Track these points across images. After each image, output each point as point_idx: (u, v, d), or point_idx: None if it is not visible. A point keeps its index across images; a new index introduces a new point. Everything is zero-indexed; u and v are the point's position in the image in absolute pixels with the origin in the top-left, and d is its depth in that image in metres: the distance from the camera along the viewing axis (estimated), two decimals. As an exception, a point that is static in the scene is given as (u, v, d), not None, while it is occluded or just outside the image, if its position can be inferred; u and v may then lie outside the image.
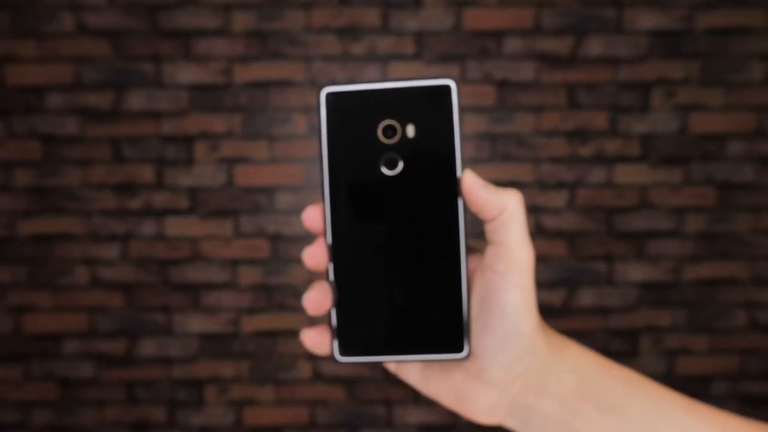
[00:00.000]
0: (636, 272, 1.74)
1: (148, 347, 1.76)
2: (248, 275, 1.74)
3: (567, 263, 1.74)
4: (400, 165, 0.32)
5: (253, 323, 1.75)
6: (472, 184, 0.32)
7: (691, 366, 1.77)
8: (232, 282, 1.74)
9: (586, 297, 1.75)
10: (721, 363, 1.77)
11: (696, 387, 1.77)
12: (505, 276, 0.32)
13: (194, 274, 1.74)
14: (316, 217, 0.33)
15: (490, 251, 0.33)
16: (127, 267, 1.74)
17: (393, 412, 1.77)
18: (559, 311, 1.75)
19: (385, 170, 0.33)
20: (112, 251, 1.73)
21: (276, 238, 1.73)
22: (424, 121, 0.32)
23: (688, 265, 1.74)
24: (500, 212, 0.32)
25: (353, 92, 0.33)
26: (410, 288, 0.33)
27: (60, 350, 1.76)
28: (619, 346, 1.76)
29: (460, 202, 0.32)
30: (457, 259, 0.33)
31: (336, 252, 0.33)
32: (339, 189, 0.33)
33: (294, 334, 1.75)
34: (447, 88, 0.32)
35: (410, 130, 0.32)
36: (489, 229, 0.32)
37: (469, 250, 0.36)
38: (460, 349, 0.33)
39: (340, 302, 0.33)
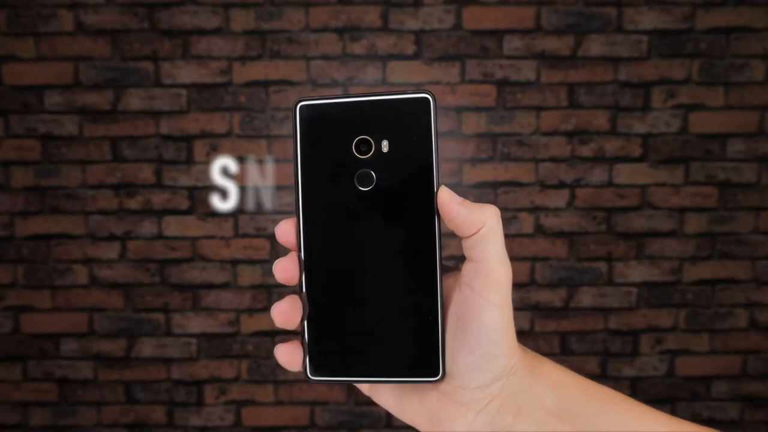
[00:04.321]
0: (636, 272, 1.74)
1: (147, 347, 1.75)
2: (248, 275, 1.74)
3: (567, 263, 1.74)
4: (374, 181, 0.31)
5: (252, 323, 1.75)
6: (449, 201, 0.30)
7: (692, 366, 1.76)
8: (231, 282, 1.74)
9: (586, 297, 1.75)
10: (722, 363, 1.76)
11: (696, 387, 1.77)
12: (483, 294, 0.30)
13: (193, 274, 1.73)
14: (289, 231, 0.32)
15: (467, 268, 0.31)
16: (126, 267, 1.73)
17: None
18: (559, 311, 1.75)
19: (358, 186, 0.31)
20: (111, 251, 1.73)
21: (276, 238, 1.72)
22: (399, 136, 0.31)
23: (688, 265, 1.74)
24: (478, 229, 0.30)
25: (327, 105, 0.31)
26: (384, 307, 0.32)
27: (59, 350, 1.75)
28: (619, 346, 1.76)
29: (437, 219, 0.31)
30: (433, 278, 0.32)
31: (308, 267, 0.32)
32: (312, 203, 0.32)
33: (293, 335, 1.75)
34: (425, 101, 0.31)
35: (385, 146, 0.31)
36: (467, 245, 0.31)
37: (445, 268, 0.34)
38: (435, 374, 0.32)
39: (311, 319, 0.32)
